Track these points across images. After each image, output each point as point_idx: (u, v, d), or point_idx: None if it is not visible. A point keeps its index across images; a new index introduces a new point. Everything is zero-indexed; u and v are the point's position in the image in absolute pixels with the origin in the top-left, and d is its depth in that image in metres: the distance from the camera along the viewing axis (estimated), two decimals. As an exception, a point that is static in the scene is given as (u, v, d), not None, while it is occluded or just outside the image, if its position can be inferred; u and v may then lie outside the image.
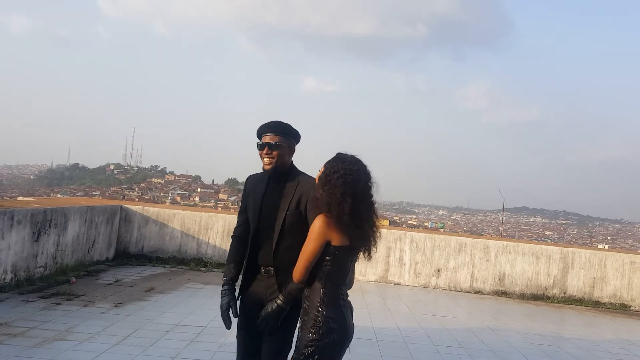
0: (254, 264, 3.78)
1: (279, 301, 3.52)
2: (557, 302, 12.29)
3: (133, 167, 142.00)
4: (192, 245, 12.45)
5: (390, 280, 12.53)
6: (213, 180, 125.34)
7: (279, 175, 3.74)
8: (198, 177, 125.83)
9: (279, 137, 3.71)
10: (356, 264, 3.60)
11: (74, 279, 9.30)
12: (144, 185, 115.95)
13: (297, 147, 3.88)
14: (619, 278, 12.61)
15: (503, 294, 12.48)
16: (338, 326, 3.28)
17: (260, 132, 3.75)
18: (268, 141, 3.68)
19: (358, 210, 3.27)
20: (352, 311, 3.47)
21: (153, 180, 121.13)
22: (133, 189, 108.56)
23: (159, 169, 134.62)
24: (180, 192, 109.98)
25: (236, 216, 4.05)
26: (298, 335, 3.36)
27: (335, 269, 3.34)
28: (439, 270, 12.61)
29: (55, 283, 8.91)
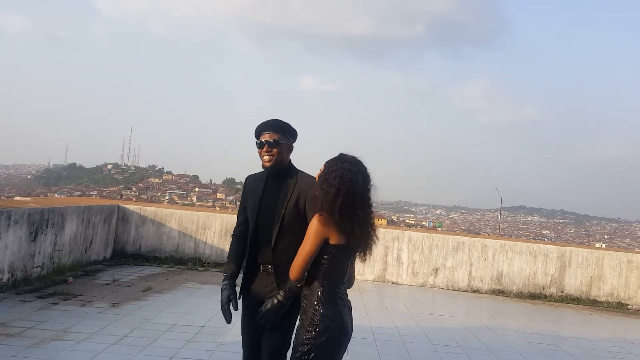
0: (253, 263, 3.80)
1: (279, 297, 3.54)
2: (555, 301, 12.31)
3: (130, 166, 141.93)
4: (189, 244, 12.44)
5: (388, 279, 12.53)
6: (211, 180, 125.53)
7: (277, 174, 3.78)
8: (196, 177, 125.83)
9: (278, 135, 3.74)
10: (354, 263, 3.61)
11: (71, 279, 9.28)
12: (141, 184, 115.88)
13: (294, 145, 3.91)
14: (616, 277, 12.63)
15: (501, 293, 12.49)
16: (335, 324, 3.28)
17: (259, 131, 3.79)
18: (267, 139, 3.71)
19: (353, 209, 3.27)
20: (350, 309, 3.46)
21: (150, 179, 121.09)
22: (130, 189, 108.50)
23: (157, 168, 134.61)
24: (177, 191, 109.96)
25: (234, 215, 4.10)
26: (295, 334, 3.37)
27: (332, 268, 3.35)
28: (436, 270, 12.61)
29: (53, 283, 8.90)
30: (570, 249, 12.87)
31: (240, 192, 4.19)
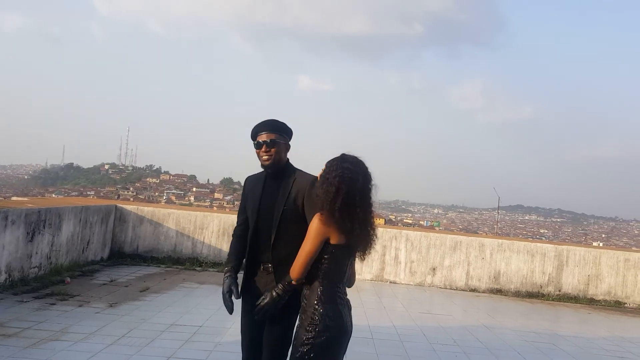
0: (253, 262, 3.84)
1: (277, 290, 3.56)
2: (552, 300, 12.32)
3: (128, 166, 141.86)
4: (187, 244, 12.43)
5: (386, 278, 12.54)
6: (208, 180, 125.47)
7: (275, 173, 3.83)
8: (193, 177, 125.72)
9: (275, 135, 3.79)
10: (354, 262, 3.62)
11: (68, 279, 9.27)
12: (138, 184, 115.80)
13: (290, 144, 3.96)
14: (614, 275, 12.65)
15: (498, 291, 12.50)
16: (334, 324, 3.28)
17: (256, 132, 3.83)
18: (264, 139, 3.76)
19: (353, 208, 3.28)
20: (350, 309, 3.47)
21: (148, 179, 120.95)
22: (128, 189, 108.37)
23: (154, 168, 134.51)
24: (175, 191, 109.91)
25: (231, 215, 4.15)
26: (295, 333, 3.37)
27: (332, 267, 3.35)
28: (434, 269, 12.62)
29: (50, 283, 8.89)
30: (568, 248, 12.88)
31: (238, 192, 4.25)
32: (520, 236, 68.16)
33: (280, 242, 3.70)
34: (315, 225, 3.29)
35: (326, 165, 3.42)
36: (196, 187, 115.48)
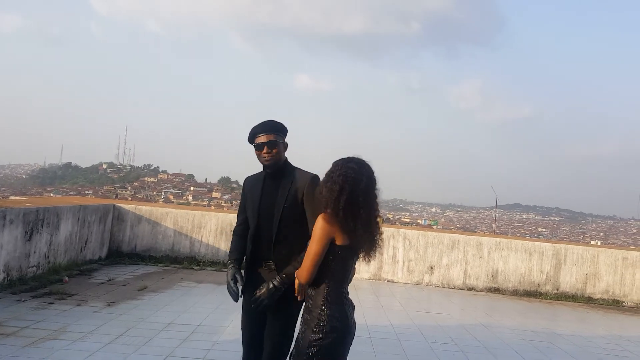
0: (254, 260, 3.91)
1: (275, 282, 3.66)
2: (550, 299, 12.34)
3: (126, 166, 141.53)
4: (185, 243, 12.43)
5: (383, 277, 12.55)
6: (206, 179, 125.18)
7: (275, 172, 3.90)
8: (191, 176, 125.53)
9: (275, 135, 3.87)
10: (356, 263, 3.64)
11: (66, 278, 9.27)
12: (136, 184, 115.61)
13: (290, 143, 4.04)
14: (612, 274, 12.66)
15: (496, 290, 12.51)
16: (341, 324, 3.30)
17: (255, 133, 3.90)
18: (264, 140, 3.82)
19: (356, 209, 3.28)
20: (353, 309, 3.49)
21: (146, 179, 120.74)
22: (126, 188, 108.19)
23: (152, 167, 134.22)
24: (173, 190, 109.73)
25: (229, 214, 4.20)
26: (300, 334, 3.37)
27: (338, 268, 3.36)
28: (432, 268, 12.63)
29: (48, 282, 8.89)
30: (566, 247, 12.90)
31: (236, 191, 4.31)
32: (518, 235, 68.19)
33: (282, 239, 3.77)
34: (319, 225, 3.29)
35: (332, 164, 3.44)
36: (194, 186, 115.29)
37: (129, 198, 77.38)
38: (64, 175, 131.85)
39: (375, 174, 3.44)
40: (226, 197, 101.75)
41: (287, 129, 4.00)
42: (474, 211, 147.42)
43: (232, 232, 4.22)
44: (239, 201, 4.44)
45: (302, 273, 3.34)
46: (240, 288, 3.86)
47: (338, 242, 3.31)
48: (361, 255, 3.49)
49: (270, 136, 3.84)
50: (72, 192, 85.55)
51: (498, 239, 13.02)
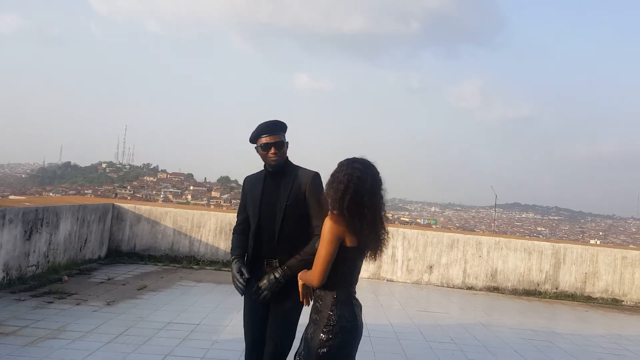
0: (256, 259, 3.93)
1: (276, 274, 3.72)
2: (549, 298, 12.34)
3: (125, 165, 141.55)
4: (184, 243, 12.43)
5: (382, 276, 12.55)
6: (205, 178, 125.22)
7: (276, 171, 3.92)
8: (190, 175, 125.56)
9: (280, 135, 3.91)
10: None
11: (66, 278, 9.27)
12: (136, 183, 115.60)
13: (290, 142, 4.06)
14: (611, 273, 12.67)
15: (495, 289, 12.52)
16: (351, 325, 3.31)
17: (260, 134, 3.91)
18: (272, 141, 3.86)
19: (361, 209, 3.27)
20: (360, 309, 3.50)
21: (145, 178, 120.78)
22: (125, 187, 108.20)
23: (151, 167, 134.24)
24: (172, 190, 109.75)
25: (229, 214, 4.22)
26: (309, 335, 3.35)
27: (347, 270, 3.37)
28: (431, 267, 12.64)
29: (47, 282, 8.89)
30: (565, 246, 12.90)
31: (235, 191, 4.33)
32: (517, 234, 68.17)
33: (285, 237, 3.81)
34: (327, 227, 3.27)
35: (337, 164, 3.43)
36: (193, 186, 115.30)
37: (128, 197, 77.33)
38: (64, 175, 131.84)
39: (381, 174, 3.43)
40: (225, 196, 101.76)
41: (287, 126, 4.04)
42: (473, 210, 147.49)
43: (231, 232, 4.23)
44: (238, 200, 4.45)
45: (314, 276, 3.31)
46: (245, 281, 3.86)
47: (347, 243, 3.30)
48: (367, 254, 3.49)
49: (276, 136, 3.87)
50: (71, 192, 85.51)
51: (497, 238, 13.03)
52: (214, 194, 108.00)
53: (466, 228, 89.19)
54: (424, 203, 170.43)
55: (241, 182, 4.30)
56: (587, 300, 12.47)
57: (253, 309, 3.91)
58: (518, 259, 12.65)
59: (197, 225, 12.49)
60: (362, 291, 10.69)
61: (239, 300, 4.02)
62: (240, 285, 3.83)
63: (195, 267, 11.92)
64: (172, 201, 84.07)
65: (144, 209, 12.56)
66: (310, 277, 3.36)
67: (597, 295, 12.60)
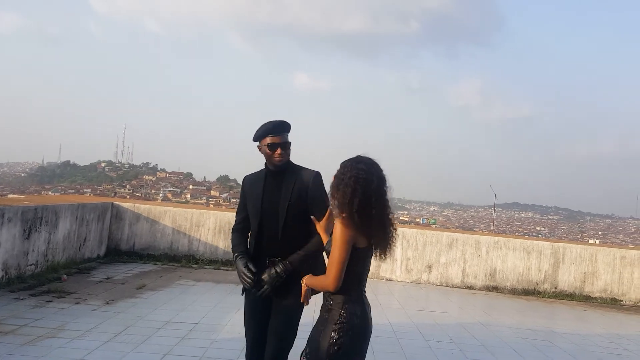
0: (258, 257, 3.92)
1: (277, 268, 3.74)
2: (548, 297, 12.35)
3: (124, 164, 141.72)
4: (183, 242, 12.43)
5: (381, 276, 12.55)
6: (205, 178, 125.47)
7: (278, 171, 3.92)
8: (190, 174, 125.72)
9: (286, 135, 3.93)
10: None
11: (65, 277, 9.27)
12: (135, 182, 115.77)
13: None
14: (610, 273, 12.68)
15: (494, 289, 12.52)
16: (362, 323, 3.33)
17: (268, 133, 3.90)
18: (279, 141, 3.86)
19: (369, 210, 3.26)
20: (370, 308, 3.52)
21: (144, 177, 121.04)
22: (124, 186, 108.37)
23: (151, 166, 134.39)
24: (171, 189, 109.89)
25: (228, 213, 4.22)
26: (318, 333, 3.34)
27: (358, 269, 3.37)
28: (430, 266, 12.64)
29: (46, 280, 8.88)
30: (564, 245, 12.91)
31: (234, 190, 4.33)
32: (517, 233, 68.20)
33: (287, 236, 3.82)
34: (340, 232, 3.26)
35: (340, 166, 3.41)
36: (192, 185, 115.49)
37: (128, 196, 77.32)
38: (63, 174, 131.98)
39: (385, 172, 3.41)
40: (225, 195, 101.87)
41: None
42: (472, 210, 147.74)
43: (231, 231, 4.22)
44: (237, 200, 4.45)
45: (330, 282, 3.28)
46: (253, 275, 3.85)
47: (359, 245, 3.31)
48: (376, 253, 3.49)
49: (283, 137, 3.89)
50: (70, 191, 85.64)
51: (496, 238, 13.03)
52: (213, 193, 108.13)
53: (465, 227, 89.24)
54: (423, 202, 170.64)
55: (240, 182, 4.29)
56: (586, 299, 12.47)
57: (254, 306, 3.92)
58: (517, 259, 12.65)
59: (196, 225, 12.49)
60: (361, 290, 10.71)
61: (238, 299, 4.02)
62: (248, 280, 3.81)
63: (194, 266, 11.92)
64: (171, 200, 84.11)
65: (143, 208, 12.55)
66: (325, 282, 3.31)
67: (596, 294, 12.61)
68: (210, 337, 6.63)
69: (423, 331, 8.03)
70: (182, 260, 12.15)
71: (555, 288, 12.56)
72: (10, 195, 14.59)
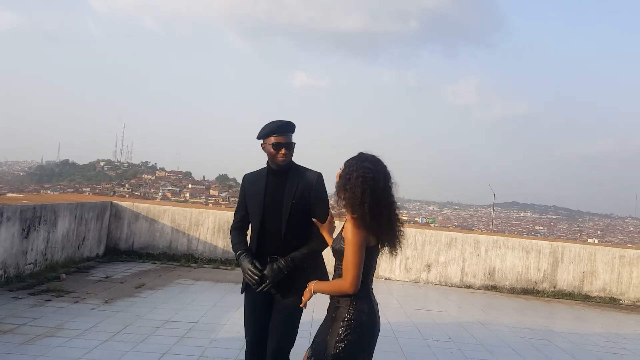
0: (260, 255, 3.91)
1: (279, 264, 3.75)
2: (547, 296, 12.35)
3: (123, 163, 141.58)
4: (182, 241, 12.43)
5: (381, 275, 12.55)
6: (204, 177, 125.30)
7: (281, 170, 3.92)
8: (189, 173, 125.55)
9: (291, 136, 3.93)
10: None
11: (64, 276, 9.27)
12: (134, 181, 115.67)
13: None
14: (609, 272, 12.69)
15: (493, 288, 12.53)
16: (369, 319, 3.35)
17: (273, 132, 3.89)
18: (284, 141, 3.86)
19: (379, 209, 3.28)
20: (378, 306, 3.53)
21: (143, 176, 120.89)
22: (123, 185, 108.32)
23: (150, 165, 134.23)
24: (170, 188, 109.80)
25: (227, 212, 4.22)
26: (326, 330, 3.36)
27: (367, 267, 3.38)
28: (429, 265, 12.64)
29: (45, 280, 8.88)
30: (563, 245, 12.92)
31: (233, 189, 4.32)
32: (516, 233, 68.26)
33: (290, 234, 3.83)
34: (353, 233, 3.27)
35: (345, 165, 3.41)
36: (192, 184, 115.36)
37: (127, 195, 77.44)
38: (62, 173, 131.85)
39: (389, 169, 3.43)
40: (224, 194, 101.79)
41: None
42: (471, 209, 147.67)
43: (229, 230, 4.21)
44: (236, 199, 4.44)
45: (349, 284, 3.27)
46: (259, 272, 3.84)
47: (368, 243, 3.33)
48: (386, 250, 3.50)
49: (288, 137, 3.89)
50: (69, 190, 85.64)
51: (495, 237, 13.04)
52: (212, 192, 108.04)
53: (464, 227, 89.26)
54: (422, 202, 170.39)
55: (239, 181, 4.29)
56: (585, 299, 12.48)
57: (254, 305, 3.92)
58: (516, 258, 12.66)
59: (196, 224, 12.49)
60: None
61: (237, 298, 4.03)
62: (255, 277, 3.78)
63: (193, 265, 11.92)
64: (171, 199, 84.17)
65: (142, 207, 12.55)
66: (344, 286, 3.29)
67: (595, 294, 12.62)
68: (209, 336, 6.63)
69: (422, 330, 8.03)
70: (181, 259, 12.15)
71: (554, 287, 12.57)
72: (9, 194, 14.54)
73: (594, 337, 8.82)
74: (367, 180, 3.26)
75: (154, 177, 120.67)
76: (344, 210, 3.36)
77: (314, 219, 3.82)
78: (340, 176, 3.40)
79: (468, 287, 12.54)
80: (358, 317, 3.29)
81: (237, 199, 4.27)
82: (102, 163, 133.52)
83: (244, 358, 4.05)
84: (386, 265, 12.59)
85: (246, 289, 3.95)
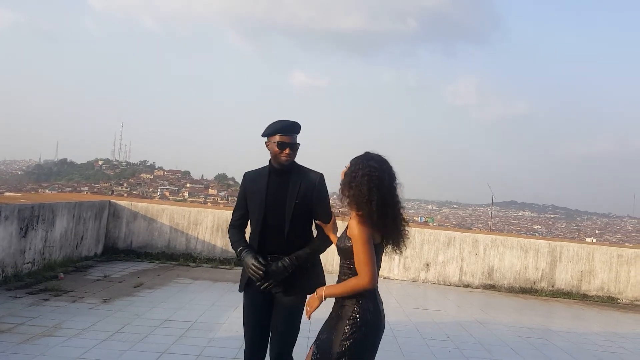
0: (260, 253, 3.90)
1: (284, 262, 3.75)
2: (545, 296, 12.36)
3: (122, 162, 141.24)
4: (181, 240, 12.42)
5: (379, 274, 12.53)
6: (202, 176, 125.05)
7: (283, 170, 3.92)
8: (187, 173, 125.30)
9: (296, 136, 3.93)
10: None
11: (62, 275, 9.26)
12: (132, 180, 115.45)
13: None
14: (607, 271, 12.70)
15: (492, 287, 12.53)
16: (374, 317, 3.35)
17: (279, 131, 3.89)
18: (289, 141, 3.86)
19: (385, 208, 3.30)
20: (383, 304, 3.53)
21: (142, 175, 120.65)
22: (122, 184, 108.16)
23: (148, 164, 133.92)
24: (169, 187, 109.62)
25: (225, 211, 4.21)
26: (330, 328, 3.36)
27: None
28: (428, 265, 12.65)
29: (43, 279, 8.87)
30: (561, 244, 12.93)
31: (232, 188, 4.32)
32: (514, 232, 68.35)
33: (293, 233, 3.84)
34: (360, 230, 3.28)
35: (351, 163, 3.43)
36: (190, 183, 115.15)
37: (125, 194, 77.29)
38: (60, 172, 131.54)
39: (394, 168, 3.44)
40: (222, 194, 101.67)
41: None
42: (470, 208, 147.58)
43: (228, 228, 4.20)
44: (235, 198, 4.44)
45: (366, 281, 3.30)
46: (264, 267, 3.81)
47: (374, 241, 3.35)
48: (390, 248, 3.52)
49: (293, 137, 3.89)
50: (67, 189, 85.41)
51: (494, 236, 13.04)
52: (211, 191, 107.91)
53: (463, 226, 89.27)
54: (421, 201, 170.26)
55: (238, 180, 4.30)
56: (583, 298, 12.49)
57: (254, 304, 3.92)
58: (514, 257, 12.67)
59: (194, 223, 12.48)
60: (359, 289, 10.70)
61: (236, 297, 4.02)
62: (259, 272, 3.76)
63: (191, 264, 11.91)
64: (169, 198, 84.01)
65: (140, 206, 12.54)
66: (361, 283, 3.31)
67: (593, 293, 12.62)
68: (207, 336, 6.63)
69: (421, 329, 8.03)
70: (179, 258, 12.14)
71: (552, 286, 12.58)
72: (7, 194, 14.52)
73: (592, 336, 8.82)
74: (372, 179, 3.28)
75: (152, 176, 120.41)
76: (347, 208, 3.37)
77: (317, 221, 3.86)
78: (346, 174, 3.41)
79: (466, 286, 12.54)
80: (364, 316, 3.30)
81: (235, 198, 4.26)
82: (100, 162, 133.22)
83: (242, 357, 4.05)
84: (385, 265, 12.56)
85: (245, 287, 3.95)
